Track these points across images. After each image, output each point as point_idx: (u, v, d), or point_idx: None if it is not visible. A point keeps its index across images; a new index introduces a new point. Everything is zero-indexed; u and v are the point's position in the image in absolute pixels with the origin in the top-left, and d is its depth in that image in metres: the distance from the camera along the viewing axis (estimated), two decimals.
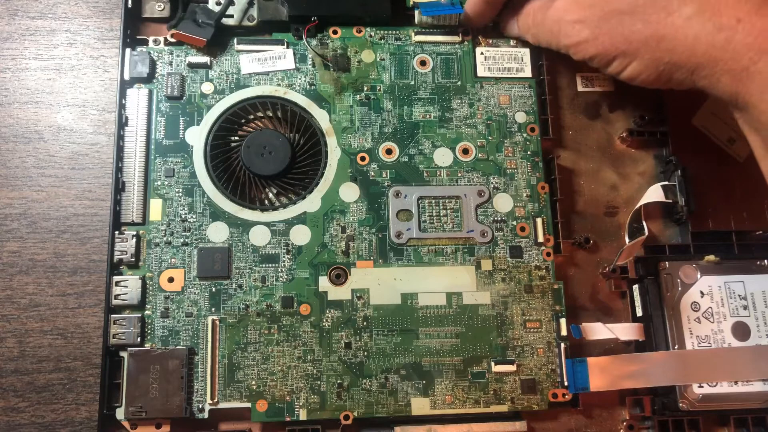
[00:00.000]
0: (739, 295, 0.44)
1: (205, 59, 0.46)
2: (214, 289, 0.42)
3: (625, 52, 0.37)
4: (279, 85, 0.46)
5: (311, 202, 0.44)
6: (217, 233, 0.43)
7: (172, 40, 0.46)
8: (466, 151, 0.46)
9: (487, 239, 0.45)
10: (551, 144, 0.48)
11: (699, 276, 0.44)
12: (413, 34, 0.48)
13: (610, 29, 0.37)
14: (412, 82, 0.47)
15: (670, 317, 0.43)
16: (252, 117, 0.46)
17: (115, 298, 0.41)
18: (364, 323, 0.43)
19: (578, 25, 0.38)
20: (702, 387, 0.41)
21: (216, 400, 0.41)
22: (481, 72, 0.48)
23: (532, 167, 0.46)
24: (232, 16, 0.47)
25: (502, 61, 0.48)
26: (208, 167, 0.44)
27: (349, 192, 0.45)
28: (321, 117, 0.46)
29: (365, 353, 0.42)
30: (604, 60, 0.38)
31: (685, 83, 0.37)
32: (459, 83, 0.47)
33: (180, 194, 0.44)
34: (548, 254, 0.45)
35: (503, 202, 0.45)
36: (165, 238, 0.43)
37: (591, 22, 0.37)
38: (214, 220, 0.43)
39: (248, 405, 0.41)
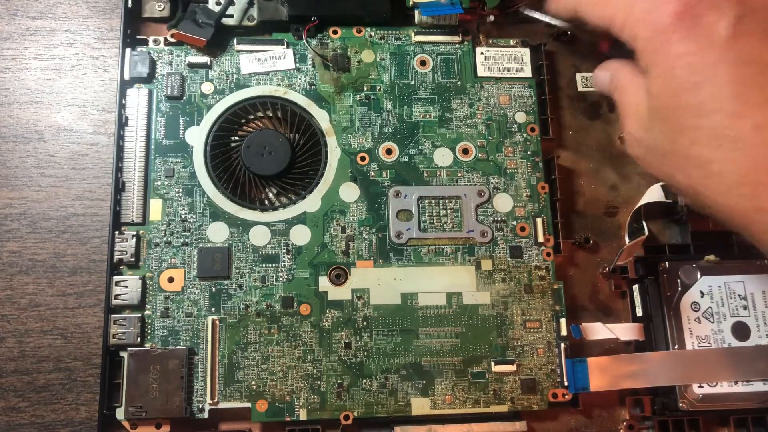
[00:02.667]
0: (739, 295, 0.44)
1: (205, 59, 0.46)
2: (214, 289, 0.42)
3: (670, 185, 0.36)
4: (279, 85, 0.46)
5: (311, 202, 0.44)
6: (217, 233, 0.43)
7: (172, 40, 0.46)
8: (466, 151, 0.46)
9: (487, 239, 0.45)
10: (551, 144, 0.48)
11: (699, 276, 0.44)
12: (413, 34, 0.48)
13: (655, 161, 0.35)
14: (412, 82, 0.47)
15: (670, 317, 0.43)
16: (252, 117, 0.46)
17: (115, 298, 0.41)
18: (364, 323, 0.43)
19: (633, 139, 0.36)
20: (702, 387, 0.41)
21: (216, 400, 0.41)
22: (481, 72, 0.48)
23: (532, 167, 0.46)
24: (232, 16, 0.47)
25: (502, 61, 0.48)
26: (208, 167, 0.44)
27: (349, 192, 0.45)
28: (321, 117, 0.46)
29: (365, 353, 0.42)
30: (658, 179, 0.37)
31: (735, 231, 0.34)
32: (459, 83, 0.47)
33: (180, 194, 0.44)
34: (548, 254, 0.45)
35: (503, 202, 0.45)
36: (165, 238, 0.43)
37: (643, 145, 0.35)
38: (214, 220, 0.44)
39: (248, 405, 0.41)
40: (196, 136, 0.45)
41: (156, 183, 0.44)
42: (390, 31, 0.48)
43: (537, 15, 0.46)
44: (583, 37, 0.47)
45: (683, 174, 0.32)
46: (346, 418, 0.41)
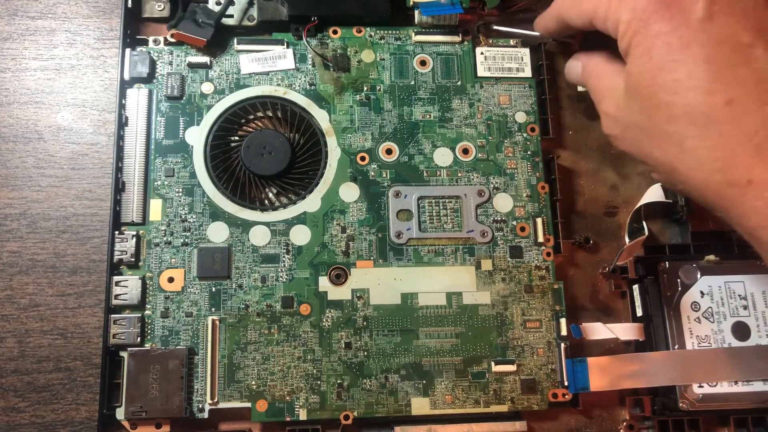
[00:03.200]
0: (739, 295, 0.44)
1: (205, 59, 0.46)
2: (214, 289, 0.42)
3: (645, 163, 0.36)
4: (279, 85, 0.46)
5: (311, 202, 0.44)
6: (217, 233, 0.43)
7: (172, 40, 0.46)
8: (466, 151, 0.46)
9: (487, 239, 0.45)
10: (551, 144, 0.48)
11: (699, 276, 0.44)
12: (413, 34, 0.48)
13: (632, 139, 0.36)
14: (412, 82, 0.47)
15: (670, 317, 0.43)
16: (252, 117, 0.46)
17: (115, 298, 0.41)
18: (364, 323, 0.43)
19: (611, 120, 0.37)
20: (702, 387, 0.41)
21: (216, 400, 0.41)
22: (481, 72, 0.48)
23: (532, 167, 0.46)
24: (232, 16, 0.47)
25: (502, 61, 0.48)
26: (208, 167, 0.44)
27: (349, 192, 0.45)
28: (321, 117, 0.46)
29: (365, 353, 0.42)
30: (632, 157, 0.38)
31: (707, 208, 0.35)
32: (459, 83, 0.47)
33: (180, 194, 0.44)
34: (548, 254, 0.45)
35: (503, 202, 0.45)
36: (165, 238, 0.43)
37: (620, 124, 0.37)
38: (214, 220, 0.44)
39: (248, 405, 0.41)
40: (196, 136, 0.45)
41: (156, 183, 0.44)
42: (390, 31, 0.48)
43: (508, 29, 0.48)
44: (561, 41, 0.48)
45: (660, 150, 0.34)
46: (346, 418, 0.41)
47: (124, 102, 0.45)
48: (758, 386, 0.42)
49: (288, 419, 0.41)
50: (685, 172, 0.33)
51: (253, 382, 0.41)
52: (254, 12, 0.47)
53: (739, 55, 0.31)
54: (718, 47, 0.31)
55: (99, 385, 0.40)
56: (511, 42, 0.48)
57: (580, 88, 0.49)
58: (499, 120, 0.47)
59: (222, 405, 0.41)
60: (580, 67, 0.41)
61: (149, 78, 0.45)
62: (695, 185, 0.33)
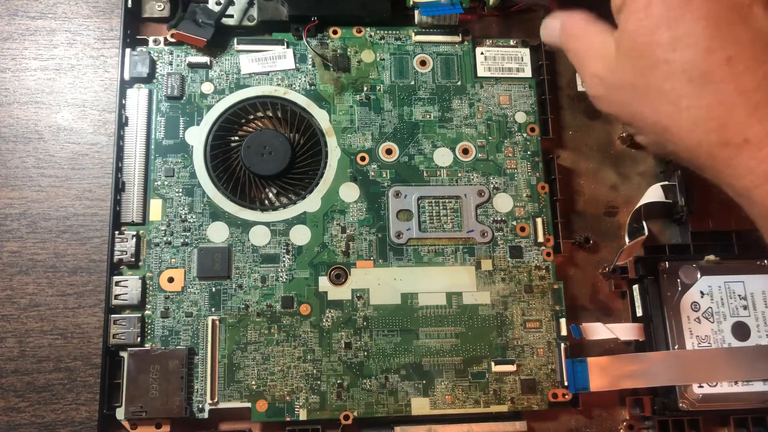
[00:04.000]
0: (739, 295, 0.44)
1: (205, 59, 0.46)
2: (214, 289, 0.42)
3: (632, 124, 0.35)
4: (279, 85, 0.46)
5: (311, 202, 0.44)
6: (217, 233, 0.43)
7: (172, 40, 0.46)
8: (466, 151, 0.46)
9: (487, 239, 0.45)
10: (551, 144, 0.48)
11: (699, 276, 0.44)
12: (413, 34, 0.48)
13: (621, 99, 0.35)
14: (412, 82, 0.47)
15: (670, 317, 0.43)
16: (252, 117, 0.46)
17: (115, 298, 0.41)
18: (364, 323, 0.43)
19: (597, 80, 0.36)
20: (702, 387, 0.41)
21: (216, 400, 0.41)
22: (481, 72, 0.48)
23: (532, 167, 0.46)
24: (232, 16, 0.47)
25: (502, 61, 0.48)
26: (208, 167, 0.44)
27: (349, 192, 0.45)
28: (321, 117, 0.46)
29: (365, 353, 0.42)
30: (617, 120, 0.37)
31: (695, 171, 0.35)
32: (459, 83, 0.47)
33: (180, 194, 0.44)
34: (548, 254, 0.45)
35: (503, 202, 0.45)
36: (165, 238, 0.43)
37: (608, 83, 0.35)
38: (214, 220, 0.44)
39: (248, 405, 0.41)
40: (196, 136, 0.45)
41: (156, 183, 0.44)
42: (390, 31, 0.48)
43: None
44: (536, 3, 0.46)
45: (652, 110, 0.33)
46: (346, 418, 0.41)
47: (124, 102, 0.45)
48: (758, 386, 0.42)
49: (288, 419, 0.41)
50: (678, 132, 0.32)
51: (253, 382, 0.41)
52: (254, 12, 0.47)
53: (737, 14, 0.31)
54: (717, 5, 0.31)
55: (99, 385, 0.40)
56: (511, 42, 0.48)
57: (580, 88, 0.49)
58: (499, 120, 0.47)
59: (222, 405, 0.41)
60: (558, 27, 0.39)
61: (149, 78, 0.45)
62: (687, 146, 0.32)
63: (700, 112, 0.31)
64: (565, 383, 0.42)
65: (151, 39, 0.46)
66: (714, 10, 0.31)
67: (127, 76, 0.45)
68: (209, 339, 0.41)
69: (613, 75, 0.35)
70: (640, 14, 0.32)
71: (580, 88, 0.49)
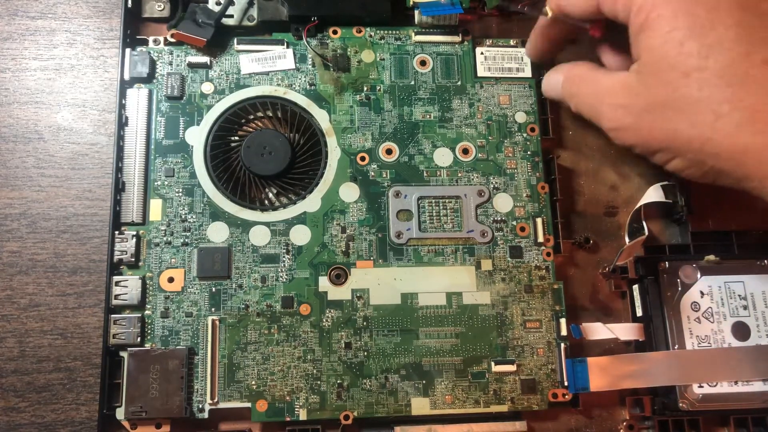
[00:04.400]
0: (739, 295, 0.44)
1: (205, 59, 0.46)
2: (214, 289, 0.42)
3: (668, 148, 0.34)
4: (279, 85, 0.46)
5: (311, 202, 0.44)
6: (217, 233, 0.43)
7: (172, 40, 0.46)
8: (466, 151, 0.46)
9: (487, 239, 0.45)
10: (551, 144, 0.48)
11: (699, 276, 0.44)
12: (413, 34, 0.48)
13: (653, 122, 0.34)
14: (412, 82, 0.47)
15: (670, 317, 0.43)
16: (252, 117, 0.46)
17: (115, 298, 0.41)
18: (364, 323, 0.43)
19: (621, 111, 0.35)
20: (702, 387, 0.42)
21: (216, 400, 0.41)
22: (481, 72, 0.48)
23: (532, 167, 0.46)
24: (232, 16, 0.47)
25: (502, 61, 0.48)
26: (208, 167, 0.44)
27: (349, 192, 0.45)
28: (321, 117, 0.46)
29: (365, 353, 0.42)
30: (646, 150, 0.35)
31: (734, 186, 0.34)
32: (459, 83, 0.47)
33: (180, 194, 0.44)
34: (548, 254, 0.45)
35: (503, 202, 0.45)
36: (165, 238, 0.43)
37: (634, 110, 0.34)
38: (214, 220, 0.44)
39: (248, 405, 0.41)
40: (196, 136, 0.45)
41: (156, 183, 0.44)
42: (390, 31, 0.48)
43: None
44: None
45: (688, 123, 0.32)
46: (346, 418, 0.41)
47: (124, 102, 0.45)
48: (758, 386, 0.42)
49: (288, 419, 0.41)
50: (720, 141, 0.31)
51: (253, 382, 0.41)
52: (254, 12, 0.47)
53: (762, 20, 0.31)
54: (744, 12, 0.31)
55: (99, 385, 0.40)
56: (511, 42, 0.48)
57: None
58: (499, 120, 0.47)
59: (222, 405, 0.41)
60: (561, 80, 0.40)
61: (149, 78, 0.45)
62: (733, 152, 0.31)
63: (744, 114, 0.30)
64: (565, 383, 0.42)
65: (151, 39, 0.46)
66: (742, 16, 0.31)
67: (127, 76, 0.45)
68: (209, 339, 0.41)
69: (639, 98, 0.34)
70: (665, 28, 0.32)
71: None
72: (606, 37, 0.39)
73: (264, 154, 0.44)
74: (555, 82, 0.40)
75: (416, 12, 0.47)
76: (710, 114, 0.31)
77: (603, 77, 0.37)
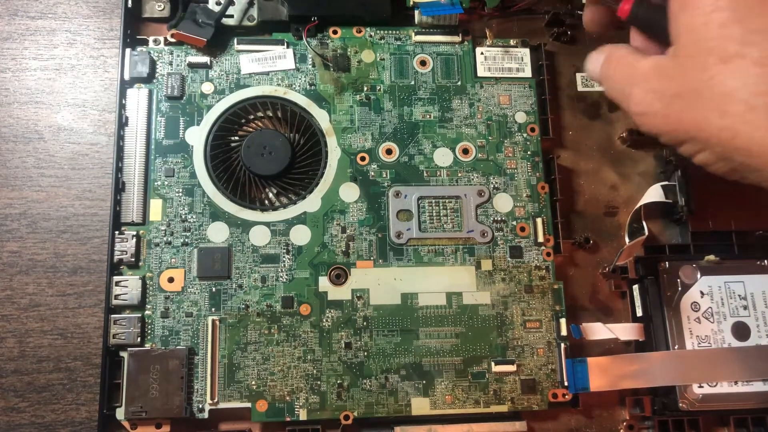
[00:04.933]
0: (739, 295, 0.44)
1: (205, 59, 0.46)
2: (214, 289, 0.42)
3: (696, 138, 0.32)
4: (279, 85, 0.46)
5: (311, 202, 0.44)
6: (217, 233, 0.43)
7: (172, 40, 0.46)
8: (466, 151, 0.46)
9: (487, 239, 0.45)
10: (551, 144, 0.48)
11: (699, 276, 0.44)
12: (413, 34, 0.48)
13: (683, 109, 0.32)
14: (412, 82, 0.47)
15: (670, 317, 0.43)
16: (252, 117, 0.46)
17: (115, 298, 0.41)
18: (364, 323, 0.43)
19: (651, 95, 0.33)
20: (702, 387, 0.41)
21: (216, 400, 0.41)
22: (481, 72, 0.48)
23: (532, 167, 0.46)
24: (232, 16, 0.47)
25: (502, 61, 0.48)
26: (208, 167, 0.44)
27: (349, 192, 0.45)
28: (321, 117, 0.46)
29: (365, 353, 0.42)
30: (673, 139, 0.33)
31: (762, 185, 0.32)
32: (459, 83, 0.47)
33: (180, 194, 0.44)
34: (548, 254, 0.45)
35: (503, 202, 0.45)
36: (165, 238, 0.43)
37: (665, 95, 0.32)
38: (214, 220, 0.44)
39: (248, 405, 0.41)
40: (196, 136, 0.45)
41: (156, 183, 0.44)
42: (390, 31, 0.48)
43: None
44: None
45: (719, 112, 0.30)
46: (346, 418, 0.41)
47: (124, 102, 0.45)
48: (758, 386, 0.42)
49: (288, 419, 0.41)
50: (752, 133, 0.29)
51: (253, 382, 0.41)
52: (254, 12, 0.47)
53: None
54: None
55: (99, 385, 0.40)
56: (511, 42, 0.48)
57: (580, 88, 0.49)
58: (499, 120, 0.47)
59: (222, 405, 0.41)
60: (603, 59, 0.37)
61: (149, 78, 0.45)
62: (763, 150, 0.29)
63: None
64: (565, 383, 0.42)
65: (151, 39, 0.46)
66: None
67: (127, 76, 0.45)
68: (209, 339, 0.41)
69: (672, 82, 0.32)
70: (708, 7, 0.30)
71: (580, 88, 0.49)
72: (637, 20, 0.37)
73: (264, 154, 0.44)
74: (596, 61, 0.38)
75: (416, 12, 0.47)
76: (743, 105, 0.29)
77: (640, 60, 0.35)
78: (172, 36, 0.45)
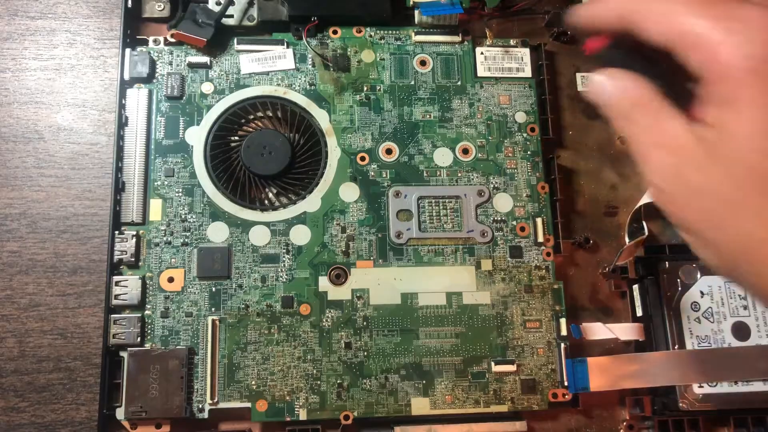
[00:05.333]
0: (739, 295, 0.43)
1: (205, 59, 0.46)
2: (214, 289, 0.42)
3: (698, 232, 0.28)
4: (279, 85, 0.46)
5: (311, 202, 0.44)
6: (217, 233, 0.43)
7: (172, 40, 0.46)
8: (466, 151, 0.46)
9: (487, 239, 0.45)
10: (551, 144, 0.48)
11: (699, 276, 0.44)
12: (413, 34, 0.48)
13: (700, 207, 0.28)
14: (412, 82, 0.47)
15: (670, 317, 0.43)
16: (252, 117, 0.46)
17: (115, 298, 0.41)
18: (364, 323, 0.43)
19: (671, 178, 0.28)
20: (702, 387, 0.41)
21: (216, 400, 0.41)
22: (481, 72, 0.48)
23: (532, 167, 0.46)
24: (232, 16, 0.47)
25: (502, 61, 0.48)
26: (208, 167, 0.44)
27: (349, 192, 0.45)
28: (321, 117, 0.46)
29: (365, 353, 0.42)
30: (677, 224, 0.29)
31: (748, 290, 0.30)
32: (459, 83, 0.47)
33: (180, 194, 0.44)
34: (548, 254, 0.45)
35: (503, 202, 0.45)
36: (165, 238, 0.43)
37: (688, 186, 0.28)
38: (214, 220, 0.43)
39: (248, 405, 0.41)
40: (196, 136, 0.45)
41: (156, 183, 0.44)
42: (390, 31, 0.48)
43: None
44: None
45: (735, 222, 0.26)
46: (346, 418, 0.41)
47: (124, 102, 0.45)
48: (758, 386, 0.42)
49: (288, 419, 0.41)
50: (756, 247, 0.26)
51: (253, 382, 0.41)
52: (254, 12, 0.47)
53: None
54: None
55: (99, 385, 0.40)
56: (511, 42, 0.48)
57: (580, 88, 0.49)
58: (499, 120, 0.47)
59: (222, 405, 0.41)
60: (616, 93, 0.30)
61: (149, 78, 0.45)
62: None
63: None
64: (565, 383, 0.42)
65: (151, 39, 0.46)
66: None
67: (127, 76, 0.45)
68: (209, 339, 0.41)
69: (701, 178, 0.27)
70: (756, 118, 0.26)
71: (580, 88, 0.49)
72: (607, 64, 0.30)
73: (264, 154, 0.44)
74: (609, 90, 0.31)
75: (416, 12, 0.47)
76: (756, 219, 0.26)
77: (667, 118, 0.29)
78: (172, 36, 0.45)
